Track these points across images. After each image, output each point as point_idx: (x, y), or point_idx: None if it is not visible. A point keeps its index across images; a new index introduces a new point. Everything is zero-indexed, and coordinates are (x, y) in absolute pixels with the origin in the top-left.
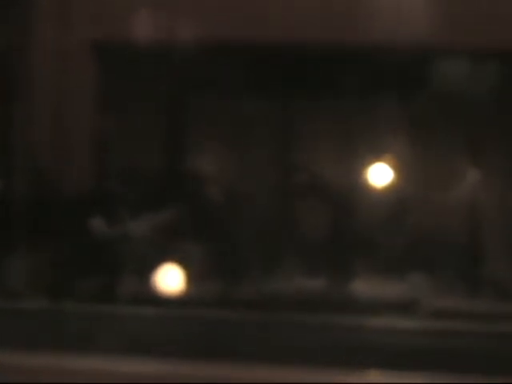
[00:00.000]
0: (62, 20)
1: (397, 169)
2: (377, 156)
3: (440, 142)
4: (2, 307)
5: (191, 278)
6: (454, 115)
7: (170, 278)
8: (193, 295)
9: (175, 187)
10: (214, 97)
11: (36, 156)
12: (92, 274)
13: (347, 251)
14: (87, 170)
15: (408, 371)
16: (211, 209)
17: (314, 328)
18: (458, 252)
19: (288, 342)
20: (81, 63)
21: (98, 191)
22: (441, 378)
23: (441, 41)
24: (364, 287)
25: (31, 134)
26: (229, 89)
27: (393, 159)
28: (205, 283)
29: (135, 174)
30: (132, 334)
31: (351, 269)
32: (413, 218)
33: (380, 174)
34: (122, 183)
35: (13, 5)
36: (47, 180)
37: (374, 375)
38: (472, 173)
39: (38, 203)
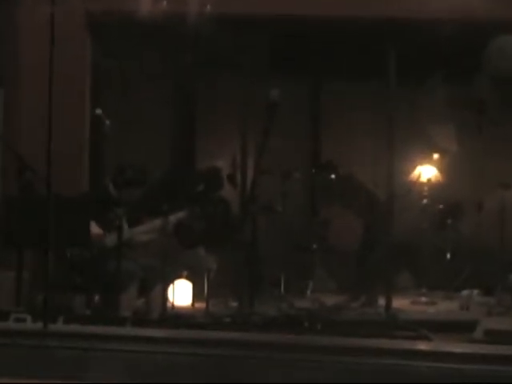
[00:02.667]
0: None
1: (444, 168)
2: (422, 153)
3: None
4: None
5: (202, 295)
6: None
7: (175, 296)
8: (204, 315)
9: (183, 191)
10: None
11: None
12: (86, 291)
13: (385, 265)
14: (80, 172)
15: None
16: (226, 215)
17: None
18: None
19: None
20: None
21: (97, 192)
22: None
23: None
24: (406, 307)
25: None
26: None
27: (440, 157)
28: (218, 301)
29: (136, 174)
30: (131, 359)
31: (391, 286)
32: (464, 228)
33: (425, 175)
34: (120, 185)
35: None
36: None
37: None
38: None
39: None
